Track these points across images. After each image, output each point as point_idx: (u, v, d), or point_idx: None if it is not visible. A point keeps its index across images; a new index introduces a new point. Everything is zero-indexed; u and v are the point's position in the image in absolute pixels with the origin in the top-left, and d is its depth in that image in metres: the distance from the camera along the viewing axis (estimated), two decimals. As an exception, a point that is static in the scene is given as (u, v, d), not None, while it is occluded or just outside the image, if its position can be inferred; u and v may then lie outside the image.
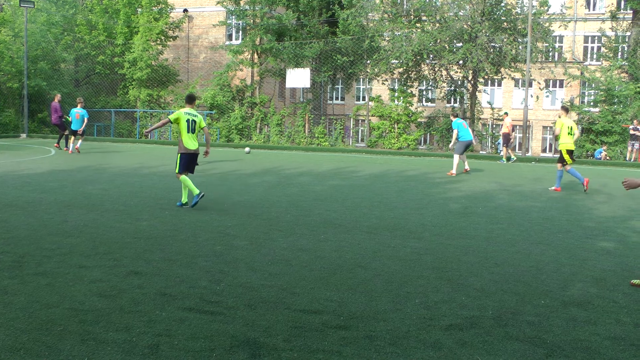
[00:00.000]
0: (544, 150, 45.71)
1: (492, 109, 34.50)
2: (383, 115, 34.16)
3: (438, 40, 31.30)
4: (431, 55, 32.57)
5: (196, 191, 12.00)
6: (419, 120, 34.23)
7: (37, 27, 39.11)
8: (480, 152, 34.31)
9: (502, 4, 31.58)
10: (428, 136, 36.73)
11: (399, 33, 32.57)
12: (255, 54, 36.24)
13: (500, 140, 32.62)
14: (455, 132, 20.59)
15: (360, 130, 39.91)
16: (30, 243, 8.73)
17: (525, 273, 7.62)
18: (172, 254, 8.20)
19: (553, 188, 16.98)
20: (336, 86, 45.35)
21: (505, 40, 30.17)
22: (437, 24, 31.88)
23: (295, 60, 34.72)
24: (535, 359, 5.01)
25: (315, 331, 5.49)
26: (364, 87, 44.64)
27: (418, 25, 32.86)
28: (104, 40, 40.26)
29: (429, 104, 40.24)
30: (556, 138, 17.56)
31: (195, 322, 5.65)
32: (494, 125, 36.25)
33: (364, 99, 43.92)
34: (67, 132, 25.83)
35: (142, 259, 7.91)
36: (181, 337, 5.27)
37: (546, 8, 31.39)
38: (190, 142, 12.36)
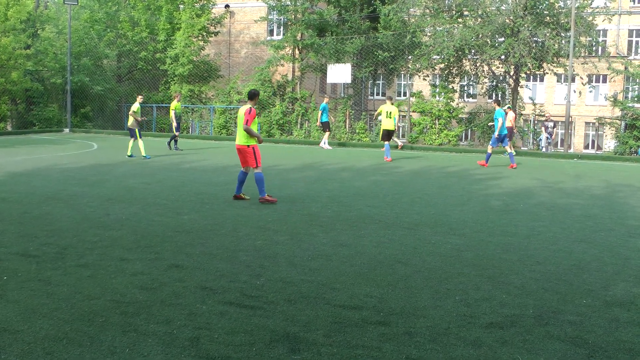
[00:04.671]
0: (586, 147, 45.04)
1: (534, 104, 34.08)
2: (424, 111, 33.90)
3: (480, 35, 30.96)
4: (473, 51, 32.21)
5: (143, 153, 21.25)
6: (460, 116, 33.92)
7: (81, 24, 39.67)
8: (522, 148, 33.93)
9: (545, -2, 31.14)
10: (469, 132, 36.41)
11: (441, 28, 32.28)
12: (297, 50, 36.25)
13: (542, 137, 32.31)
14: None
15: (401, 126, 39.73)
16: (72, 235, 8.88)
17: (566, 272, 7.52)
18: (213, 248, 8.26)
19: (385, 158, 22.73)
20: (377, 82, 45.19)
21: (547, 34, 29.69)
22: (479, 19, 31.51)
23: (336, 56, 34.64)
24: None
25: (355, 327, 5.49)
26: (405, 82, 44.45)
27: (460, 20, 32.51)
28: (146, 36, 40.64)
29: (470, 99, 39.86)
30: (376, 118, 26.30)
31: (235, 316, 5.69)
32: (536, 122, 35.83)
33: (405, 94, 43.73)
34: None
35: (183, 253, 7.98)
36: (221, 331, 5.31)
37: (590, 1, 30.84)
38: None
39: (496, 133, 20.92)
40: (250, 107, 12.36)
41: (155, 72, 41.20)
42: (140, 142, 21.46)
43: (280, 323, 5.54)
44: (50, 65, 37.38)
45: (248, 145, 12.37)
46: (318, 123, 28.97)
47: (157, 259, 7.65)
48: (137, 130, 21.54)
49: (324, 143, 28.64)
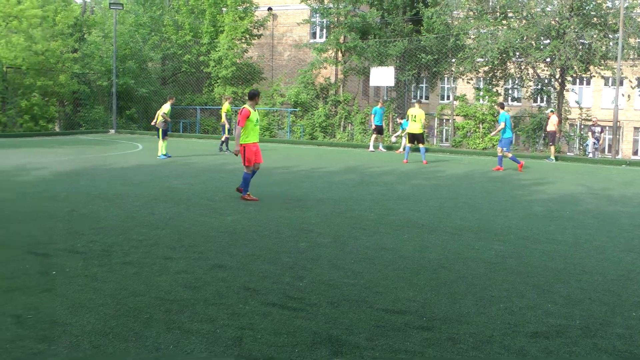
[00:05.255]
0: (635, 153, 44.24)
1: (581, 108, 33.55)
2: (468, 114, 33.66)
3: (525, 37, 30.57)
4: (517, 53, 31.82)
5: (161, 152, 21.73)
6: (504, 120, 33.54)
7: (126, 28, 40.19)
8: (568, 153, 33.46)
9: (592, -1, 30.64)
10: (514, 136, 36.02)
11: (485, 31, 31.96)
12: (339, 52, 36.25)
13: (589, 142, 31.79)
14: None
15: (444, 130, 39.50)
16: (118, 234, 8.99)
17: (614, 282, 7.36)
18: (256, 249, 8.29)
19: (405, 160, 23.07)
20: (420, 85, 44.93)
21: (595, 36, 29.20)
22: (524, 21, 31.11)
23: (379, 59, 34.56)
24: (626, 369, 4.85)
25: (397, 331, 5.46)
26: (449, 86, 44.19)
27: (504, 22, 32.14)
28: (190, 39, 41.01)
29: (515, 103, 39.42)
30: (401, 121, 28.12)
31: (278, 317, 5.70)
32: (582, 126, 35.29)
33: (448, 98, 43.44)
34: None
35: (226, 253, 8.03)
36: (264, 332, 5.33)
37: (639, 1, 30.26)
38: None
39: (493, 133, 21.62)
40: (243, 107, 12.62)
41: (199, 74, 41.57)
42: (161, 142, 21.95)
43: (323, 325, 5.53)
44: (97, 68, 38.00)
45: (240, 144, 12.62)
46: (372, 126, 28.86)
47: (201, 259, 7.71)
48: (161, 130, 21.86)
49: (372, 145, 28.61)
